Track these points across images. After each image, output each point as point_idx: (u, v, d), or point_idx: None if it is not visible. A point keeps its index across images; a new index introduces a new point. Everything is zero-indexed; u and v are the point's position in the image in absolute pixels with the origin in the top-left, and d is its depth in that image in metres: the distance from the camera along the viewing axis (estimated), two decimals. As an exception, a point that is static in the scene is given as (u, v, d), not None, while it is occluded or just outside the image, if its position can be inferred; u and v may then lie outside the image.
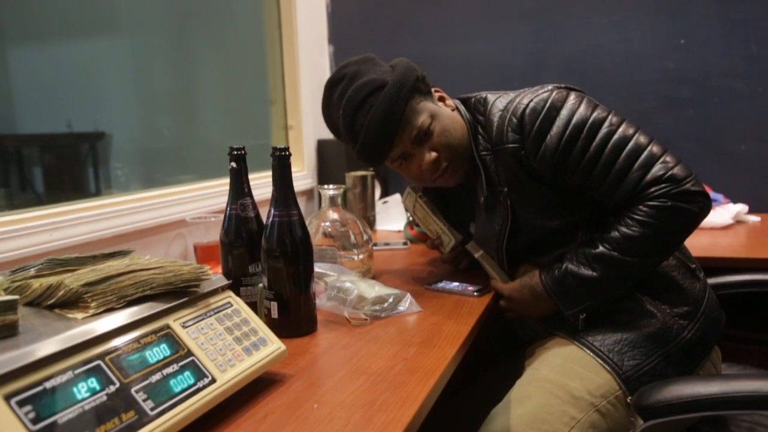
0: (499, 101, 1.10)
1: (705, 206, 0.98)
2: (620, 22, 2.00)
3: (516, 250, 1.12)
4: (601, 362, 0.99)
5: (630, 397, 0.96)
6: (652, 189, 0.96)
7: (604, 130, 1.00)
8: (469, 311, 1.04)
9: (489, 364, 1.31)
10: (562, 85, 1.07)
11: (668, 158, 0.98)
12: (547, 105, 1.03)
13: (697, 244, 1.46)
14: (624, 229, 0.98)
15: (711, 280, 1.22)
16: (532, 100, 1.04)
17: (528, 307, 1.11)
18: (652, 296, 1.04)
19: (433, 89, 1.15)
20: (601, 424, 0.94)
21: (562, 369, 0.99)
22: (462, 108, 1.16)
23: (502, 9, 2.12)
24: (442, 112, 1.11)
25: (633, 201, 0.99)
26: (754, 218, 1.77)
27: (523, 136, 1.03)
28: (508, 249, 1.12)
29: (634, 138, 0.99)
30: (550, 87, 1.06)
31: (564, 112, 1.02)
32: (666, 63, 1.96)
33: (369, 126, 1.04)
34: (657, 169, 0.97)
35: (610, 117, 1.02)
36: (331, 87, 1.10)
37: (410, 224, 1.70)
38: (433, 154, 1.08)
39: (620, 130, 1.00)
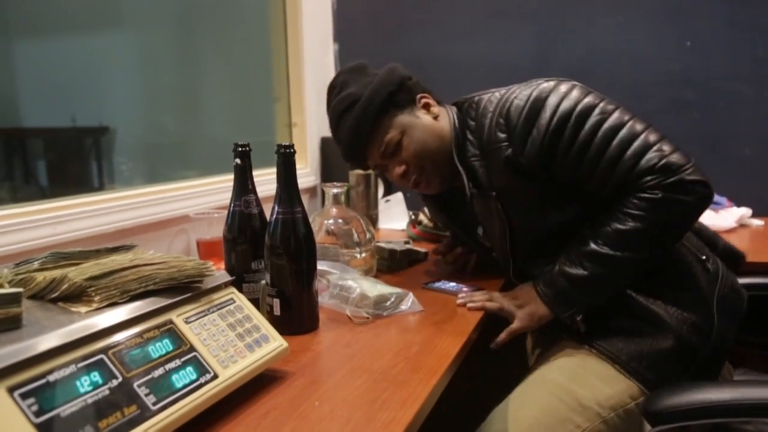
0: (489, 103, 1.07)
1: (703, 196, 0.92)
2: (625, 24, 1.99)
3: (524, 253, 1.09)
4: (623, 372, 0.95)
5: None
6: (646, 178, 0.91)
7: (594, 117, 0.95)
8: (471, 310, 1.04)
9: (492, 364, 1.31)
10: (553, 78, 1.02)
11: (665, 146, 0.92)
12: (533, 96, 0.99)
13: (700, 247, 1.45)
14: (615, 224, 0.93)
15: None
16: (516, 97, 1.01)
17: (533, 321, 1.03)
18: (665, 302, 0.98)
19: (419, 95, 1.13)
20: None
21: (573, 374, 0.97)
22: (453, 114, 1.13)
23: (507, 9, 2.12)
24: (418, 124, 1.11)
25: (626, 191, 0.94)
26: (758, 222, 1.76)
27: (509, 132, 1.01)
28: (514, 252, 1.09)
29: (628, 124, 0.94)
30: (540, 80, 1.03)
31: (551, 101, 0.98)
32: (671, 65, 1.95)
33: (343, 139, 1.13)
34: (651, 157, 0.91)
35: (601, 104, 0.96)
36: (329, 92, 1.18)
37: (413, 223, 1.70)
38: (402, 168, 1.12)
39: (613, 117, 0.95)
